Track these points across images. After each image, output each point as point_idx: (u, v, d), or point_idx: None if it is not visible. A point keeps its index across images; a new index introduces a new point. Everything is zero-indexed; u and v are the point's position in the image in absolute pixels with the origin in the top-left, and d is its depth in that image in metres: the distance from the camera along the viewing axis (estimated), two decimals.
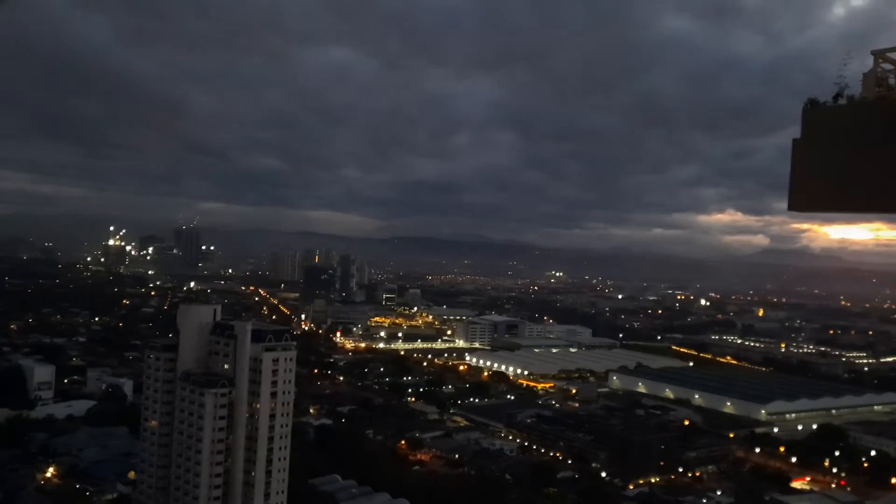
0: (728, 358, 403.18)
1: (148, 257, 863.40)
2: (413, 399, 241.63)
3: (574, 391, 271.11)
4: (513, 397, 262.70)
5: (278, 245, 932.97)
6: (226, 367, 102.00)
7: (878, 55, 18.29)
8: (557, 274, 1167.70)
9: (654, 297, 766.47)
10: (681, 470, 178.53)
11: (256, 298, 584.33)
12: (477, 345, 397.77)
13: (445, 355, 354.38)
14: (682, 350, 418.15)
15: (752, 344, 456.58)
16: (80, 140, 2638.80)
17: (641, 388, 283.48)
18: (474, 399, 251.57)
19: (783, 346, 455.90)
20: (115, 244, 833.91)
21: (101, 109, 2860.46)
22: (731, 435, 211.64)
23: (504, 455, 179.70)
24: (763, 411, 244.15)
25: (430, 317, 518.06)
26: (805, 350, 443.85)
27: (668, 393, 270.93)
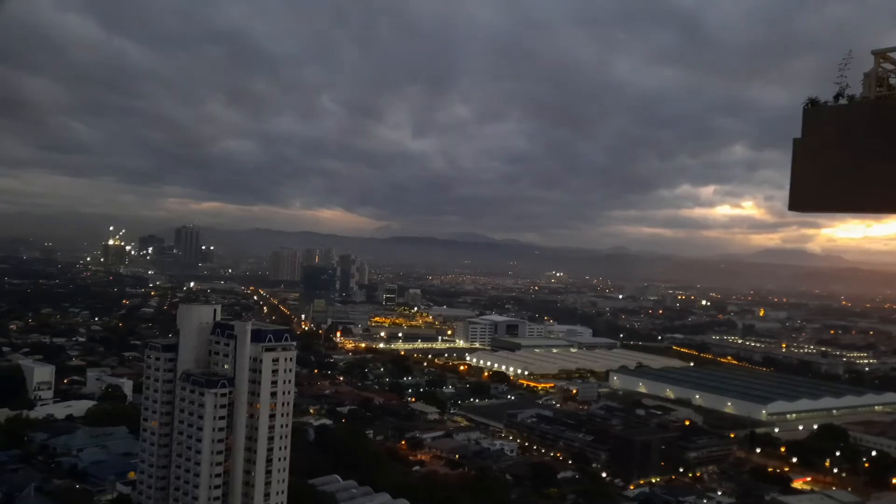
0: (728, 358, 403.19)
1: (148, 257, 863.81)
2: (413, 399, 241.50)
3: (574, 391, 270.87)
4: (513, 397, 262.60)
5: (278, 245, 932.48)
6: (226, 367, 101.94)
7: (879, 55, 18.23)
8: (557, 274, 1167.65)
9: (655, 297, 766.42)
10: (681, 470, 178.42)
11: (256, 298, 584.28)
12: (477, 345, 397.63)
13: (445, 355, 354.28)
14: (682, 350, 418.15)
15: (753, 344, 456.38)
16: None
17: (642, 388, 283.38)
18: (474, 399, 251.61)
19: (784, 346, 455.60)
20: (114, 244, 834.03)
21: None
22: (732, 435, 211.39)
23: (504, 455, 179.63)
24: (764, 411, 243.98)
25: (430, 317, 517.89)
26: (805, 350, 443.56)
27: (669, 393, 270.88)
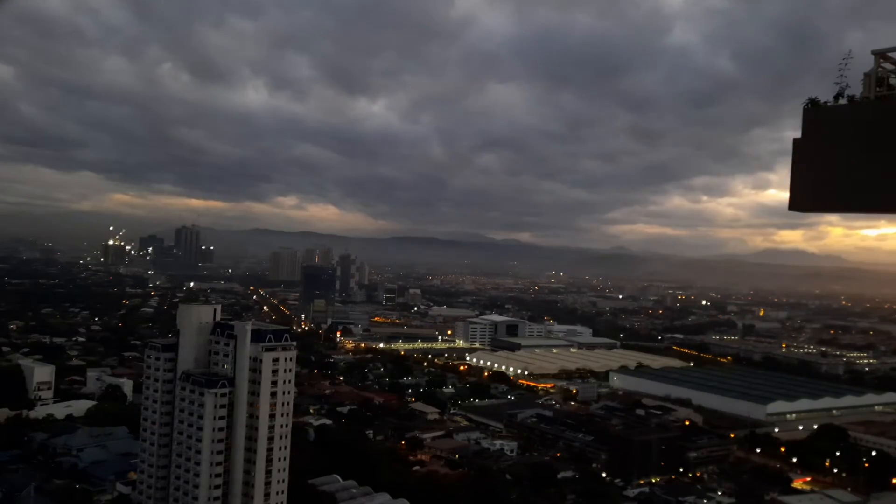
0: (728, 358, 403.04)
1: (148, 257, 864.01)
2: (413, 399, 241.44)
3: (574, 391, 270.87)
4: (513, 397, 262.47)
5: (278, 245, 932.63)
6: (226, 367, 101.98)
7: (879, 55, 18.23)
8: (559, 274, 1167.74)
9: (655, 297, 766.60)
10: (681, 470, 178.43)
11: (256, 298, 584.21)
12: (477, 345, 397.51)
13: (445, 355, 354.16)
14: (682, 350, 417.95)
15: (753, 344, 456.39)
16: None
17: (642, 388, 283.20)
18: (474, 399, 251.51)
19: (784, 346, 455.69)
20: (114, 244, 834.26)
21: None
22: (732, 435, 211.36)
23: (504, 455, 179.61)
24: (764, 411, 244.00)
25: (430, 317, 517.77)
26: (805, 350, 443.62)
27: (669, 393, 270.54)
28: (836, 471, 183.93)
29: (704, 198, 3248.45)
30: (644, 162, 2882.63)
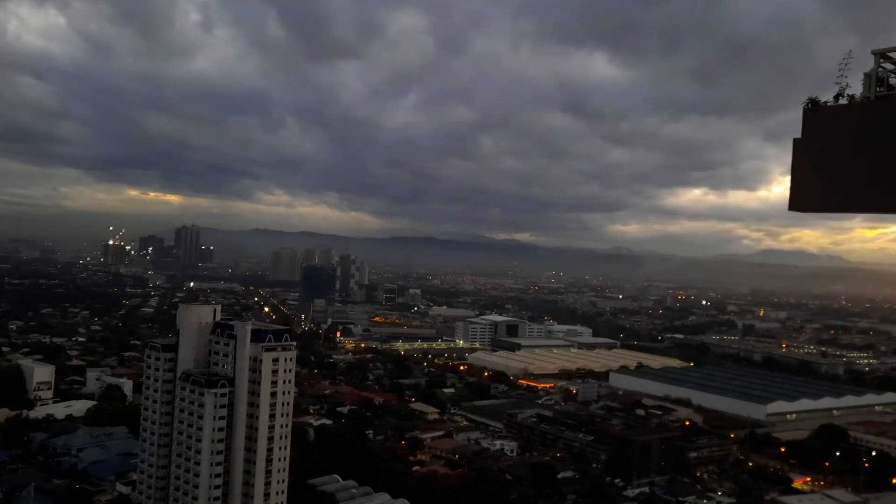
0: (728, 358, 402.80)
1: (148, 257, 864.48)
2: (413, 399, 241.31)
3: (574, 391, 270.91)
4: (513, 397, 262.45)
5: (278, 245, 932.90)
6: (226, 367, 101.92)
7: (879, 55, 18.22)
8: (559, 274, 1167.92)
9: (654, 297, 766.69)
10: (681, 470, 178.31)
11: (256, 298, 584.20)
12: (477, 345, 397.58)
13: (445, 355, 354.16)
14: (682, 350, 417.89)
15: (753, 344, 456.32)
16: None
17: (642, 388, 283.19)
18: (474, 399, 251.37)
19: (784, 346, 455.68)
20: (114, 244, 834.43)
21: None
22: (732, 435, 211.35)
23: (504, 455, 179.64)
24: (764, 411, 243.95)
25: (430, 317, 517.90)
26: (806, 350, 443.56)
27: (669, 393, 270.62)
28: (836, 471, 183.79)
29: (731, 191, 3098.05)
30: (672, 145, 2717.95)
